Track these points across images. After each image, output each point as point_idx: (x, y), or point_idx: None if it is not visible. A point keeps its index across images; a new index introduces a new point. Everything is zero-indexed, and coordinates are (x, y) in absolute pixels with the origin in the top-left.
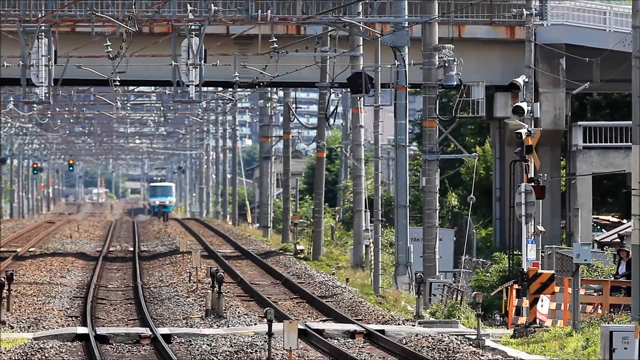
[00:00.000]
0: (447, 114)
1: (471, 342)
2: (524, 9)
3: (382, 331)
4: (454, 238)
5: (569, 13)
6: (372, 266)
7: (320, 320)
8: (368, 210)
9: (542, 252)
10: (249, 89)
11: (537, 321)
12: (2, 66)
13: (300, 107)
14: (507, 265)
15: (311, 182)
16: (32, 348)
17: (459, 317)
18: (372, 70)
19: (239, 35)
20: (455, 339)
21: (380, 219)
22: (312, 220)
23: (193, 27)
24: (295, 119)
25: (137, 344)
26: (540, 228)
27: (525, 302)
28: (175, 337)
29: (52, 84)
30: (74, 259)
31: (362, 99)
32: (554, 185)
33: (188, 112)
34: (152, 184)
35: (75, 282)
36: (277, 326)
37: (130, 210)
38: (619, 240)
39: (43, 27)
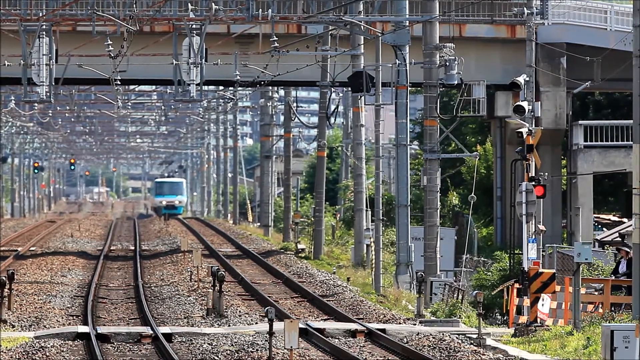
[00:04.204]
0: (448, 113)
1: (472, 341)
2: (524, 8)
3: (383, 330)
4: (455, 237)
5: (569, 12)
6: (373, 265)
7: (321, 320)
8: (369, 209)
9: (543, 251)
10: (249, 88)
11: (538, 320)
12: (3, 65)
13: (301, 106)
14: (508, 264)
15: (312, 181)
16: (33, 347)
17: (460, 316)
18: (372, 69)
19: (240, 34)
20: (456, 338)
21: (381, 218)
22: (313, 219)
23: (194, 26)
24: (296, 118)
25: (138, 343)
26: (541, 227)
27: (526, 301)
28: (177, 336)
29: (53, 83)
30: (75, 258)
31: (362, 98)
32: (554, 184)
33: (189, 111)
34: (158, 180)
35: (76, 281)
36: (278, 325)
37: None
38: (620, 239)
39: (44, 26)
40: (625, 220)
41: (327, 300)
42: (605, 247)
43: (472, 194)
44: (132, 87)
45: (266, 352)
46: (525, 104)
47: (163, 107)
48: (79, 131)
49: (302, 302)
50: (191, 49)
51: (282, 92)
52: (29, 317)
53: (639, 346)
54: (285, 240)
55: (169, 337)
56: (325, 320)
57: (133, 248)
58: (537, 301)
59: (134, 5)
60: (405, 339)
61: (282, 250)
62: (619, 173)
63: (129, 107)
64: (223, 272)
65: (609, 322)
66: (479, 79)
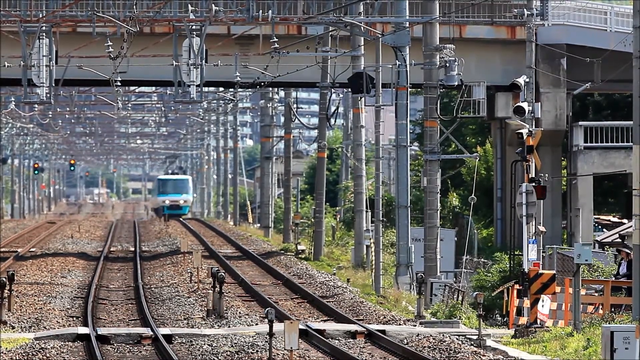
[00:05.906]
0: (448, 114)
1: (472, 342)
2: (525, 9)
3: (383, 331)
4: (455, 238)
5: (569, 13)
6: (373, 266)
7: (321, 321)
8: (369, 210)
9: (543, 252)
10: (250, 89)
11: (538, 321)
12: (3, 66)
13: (301, 107)
14: (508, 266)
15: (312, 182)
16: (33, 348)
17: (460, 317)
18: (373, 70)
19: (240, 36)
20: (457, 339)
21: (381, 219)
22: (313, 220)
23: (194, 27)
24: (296, 119)
25: (138, 344)
26: (541, 228)
27: (526, 303)
28: (177, 337)
29: (53, 84)
30: (75, 259)
31: (363, 99)
32: (555, 185)
33: (189, 112)
34: (161, 177)
35: (76, 282)
36: (278, 326)
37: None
38: (620, 241)
39: (44, 27)
40: (625, 221)
41: (327, 301)
42: (606, 249)
43: (472, 195)
44: (132, 88)
45: (266, 353)
46: (525, 105)
47: (163, 108)
48: (79, 132)
49: (302, 303)
50: (191, 50)
51: (282, 93)
52: (29, 318)
53: (639, 347)
54: (285, 241)
55: (169, 338)
56: (325, 321)
57: (133, 249)
58: (537, 302)
59: (134, 7)
60: (405, 340)
61: (282, 252)
62: (619, 174)
63: (129, 108)
64: (223, 273)
65: (609, 323)
66: (479, 80)
